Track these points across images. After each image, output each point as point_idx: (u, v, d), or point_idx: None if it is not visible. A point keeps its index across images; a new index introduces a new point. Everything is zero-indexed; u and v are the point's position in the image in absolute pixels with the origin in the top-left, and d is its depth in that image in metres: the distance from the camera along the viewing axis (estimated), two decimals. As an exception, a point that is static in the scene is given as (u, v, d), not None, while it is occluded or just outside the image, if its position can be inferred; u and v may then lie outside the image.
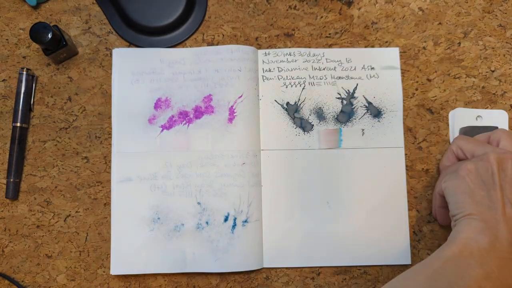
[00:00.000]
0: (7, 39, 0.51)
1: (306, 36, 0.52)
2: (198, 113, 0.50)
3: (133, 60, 0.50)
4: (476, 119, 0.50)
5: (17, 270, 0.49)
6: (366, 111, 0.51)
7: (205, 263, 0.48)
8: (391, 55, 0.51)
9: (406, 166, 0.50)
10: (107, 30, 0.51)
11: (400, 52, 0.51)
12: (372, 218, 0.49)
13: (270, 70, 0.51)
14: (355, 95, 0.51)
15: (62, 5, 0.52)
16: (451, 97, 0.51)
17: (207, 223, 0.48)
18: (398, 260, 0.49)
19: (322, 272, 0.49)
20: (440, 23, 0.52)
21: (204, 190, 0.49)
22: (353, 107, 0.51)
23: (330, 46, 0.52)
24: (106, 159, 0.50)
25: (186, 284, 0.49)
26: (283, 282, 0.49)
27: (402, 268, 0.49)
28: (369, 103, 0.51)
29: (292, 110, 0.51)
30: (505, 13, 0.52)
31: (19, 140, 0.49)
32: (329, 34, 0.52)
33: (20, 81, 0.49)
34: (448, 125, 0.51)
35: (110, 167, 0.50)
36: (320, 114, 0.51)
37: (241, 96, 0.50)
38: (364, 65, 0.51)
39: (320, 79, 0.51)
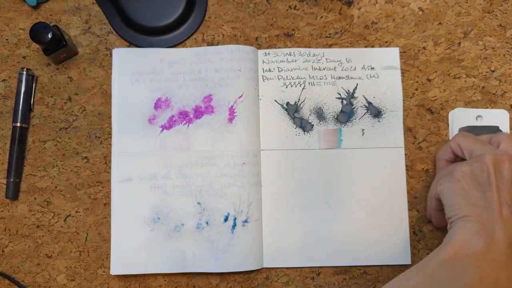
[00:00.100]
0: (7, 39, 0.51)
1: (306, 36, 0.52)
2: (198, 113, 0.50)
3: (133, 60, 0.50)
4: (476, 119, 0.50)
5: (17, 270, 0.49)
6: (366, 111, 0.51)
7: (205, 263, 0.48)
8: (391, 55, 0.51)
9: (406, 166, 0.50)
10: (107, 30, 0.51)
11: (400, 52, 0.51)
12: (372, 218, 0.49)
13: (270, 70, 0.51)
14: (355, 95, 0.51)
15: (62, 5, 0.52)
16: (451, 97, 0.51)
17: (207, 223, 0.48)
18: (398, 260, 0.49)
19: (322, 272, 0.49)
20: (440, 23, 0.52)
21: (204, 190, 0.49)
22: (353, 107, 0.51)
23: (330, 46, 0.52)
24: (106, 159, 0.50)
25: (186, 284, 0.49)
26: (283, 282, 0.49)
27: (402, 268, 0.49)
28: (369, 103, 0.51)
29: (292, 110, 0.51)
30: (505, 13, 0.52)
31: (19, 140, 0.49)
32: (329, 34, 0.52)
33: (20, 81, 0.49)
34: (448, 125, 0.51)
35: (110, 167, 0.50)
36: (320, 114, 0.51)
37: (241, 96, 0.50)
38: (364, 65, 0.51)
39: (320, 79, 0.51)
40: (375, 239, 0.49)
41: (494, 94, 0.51)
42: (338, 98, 0.51)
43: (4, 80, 0.51)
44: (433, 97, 0.51)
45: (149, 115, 0.50)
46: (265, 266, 0.49)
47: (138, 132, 0.49)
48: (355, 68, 0.51)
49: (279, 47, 0.52)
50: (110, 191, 0.49)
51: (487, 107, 0.51)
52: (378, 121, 0.51)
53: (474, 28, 0.52)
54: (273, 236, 0.49)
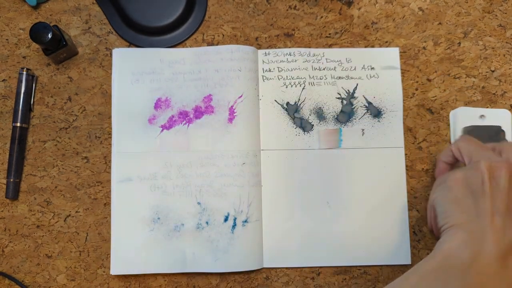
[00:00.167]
0: (7, 39, 0.51)
1: (306, 36, 0.52)
2: (198, 113, 0.50)
3: (133, 60, 0.50)
4: (480, 117, 0.50)
5: (17, 270, 0.49)
6: (366, 111, 0.51)
7: (205, 263, 0.48)
8: (391, 55, 0.51)
9: (406, 166, 0.50)
10: (107, 30, 0.51)
11: (400, 52, 0.51)
12: (372, 218, 0.49)
13: (270, 70, 0.51)
14: (355, 95, 0.51)
15: (62, 5, 0.52)
16: (451, 97, 0.51)
17: (207, 223, 0.48)
18: (398, 260, 0.49)
19: (322, 272, 0.49)
20: (440, 23, 0.52)
21: (204, 190, 0.49)
22: (353, 107, 0.51)
23: (330, 46, 0.52)
24: (106, 159, 0.50)
25: (186, 284, 0.49)
26: (283, 282, 0.49)
27: (402, 268, 0.49)
28: (369, 103, 0.51)
29: (292, 110, 0.51)
30: (505, 13, 0.52)
31: (19, 140, 0.49)
32: (329, 34, 0.52)
33: (20, 81, 0.49)
34: (448, 125, 0.51)
35: (110, 167, 0.50)
36: (320, 114, 0.51)
37: (241, 96, 0.50)
38: (364, 65, 0.51)
39: (320, 79, 0.51)
40: (375, 239, 0.49)
41: (494, 94, 0.51)
42: (338, 98, 0.51)
43: (4, 80, 0.51)
44: (433, 97, 0.51)
45: (149, 115, 0.50)
46: (265, 266, 0.49)
47: (138, 132, 0.49)
48: (355, 68, 0.51)
49: (279, 47, 0.52)
50: (110, 191, 0.49)
51: (487, 107, 0.51)
52: (378, 121, 0.51)
53: (474, 28, 0.52)
54: (273, 236, 0.49)
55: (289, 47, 0.51)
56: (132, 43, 0.51)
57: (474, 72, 0.51)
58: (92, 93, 0.51)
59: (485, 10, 0.52)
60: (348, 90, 0.51)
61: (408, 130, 0.51)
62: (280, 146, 0.50)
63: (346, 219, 0.49)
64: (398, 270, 0.49)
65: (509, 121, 0.50)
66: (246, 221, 0.48)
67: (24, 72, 0.49)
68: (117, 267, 0.48)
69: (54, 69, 0.51)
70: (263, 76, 0.51)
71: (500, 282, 0.35)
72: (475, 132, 0.49)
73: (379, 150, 0.50)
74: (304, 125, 0.50)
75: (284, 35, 0.52)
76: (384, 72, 0.51)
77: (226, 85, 0.50)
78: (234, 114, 0.49)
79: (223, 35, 0.52)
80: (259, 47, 0.51)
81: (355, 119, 0.51)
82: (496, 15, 0.52)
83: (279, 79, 0.51)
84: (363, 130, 0.50)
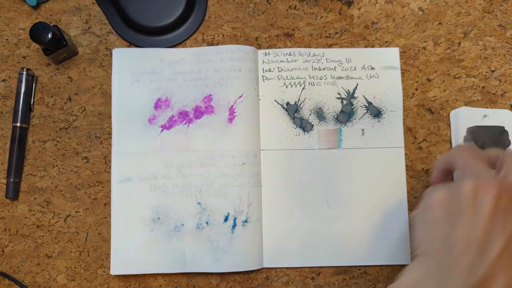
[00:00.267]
0: (7, 39, 0.51)
1: (306, 36, 0.52)
2: (198, 113, 0.50)
3: (133, 60, 0.50)
4: (483, 118, 0.50)
5: (17, 270, 0.49)
6: (366, 111, 0.51)
7: (205, 263, 0.48)
8: (391, 55, 0.51)
9: (406, 166, 0.50)
10: (107, 30, 0.51)
11: (400, 52, 0.51)
12: (372, 218, 0.49)
13: (270, 70, 0.51)
14: (355, 95, 0.51)
15: (62, 5, 0.52)
16: (451, 97, 0.51)
17: (207, 223, 0.48)
18: (398, 260, 0.49)
19: (322, 272, 0.49)
20: (440, 23, 0.52)
21: (204, 190, 0.49)
22: (353, 107, 0.51)
23: (330, 46, 0.52)
24: (106, 159, 0.50)
25: (186, 284, 0.49)
26: (283, 282, 0.49)
27: (402, 268, 0.49)
28: (369, 103, 0.51)
29: (292, 110, 0.51)
30: (505, 13, 0.52)
31: (19, 140, 0.49)
32: (329, 34, 0.52)
33: (20, 81, 0.49)
34: (448, 125, 0.51)
35: (110, 167, 0.50)
36: (320, 114, 0.51)
37: (241, 96, 0.50)
38: (364, 65, 0.51)
39: (320, 79, 0.51)
40: (375, 239, 0.49)
41: (494, 94, 0.51)
42: (338, 98, 0.51)
43: (4, 80, 0.51)
44: (433, 97, 0.51)
45: (149, 115, 0.50)
46: (265, 266, 0.49)
47: (138, 132, 0.49)
48: (355, 68, 0.51)
49: (279, 47, 0.52)
50: (110, 191, 0.49)
51: (487, 107, 0.51)
52: (378, 121, 0.51)
53: (474, 28, 0.52)
54: (273, 236, 0.49)
55: (289, 47, 0.51)
56: (132, 43, 0.51)
57: (474, 72, 0.51)
58: (92, 93, 0.51)
59: (485, 10, 0.52)
60: (348, 90, 0.51)
61: (408, 130, 0.51)
62: (280, 146, 0.50)
63: (346, 219, 0.49)
64: (398, 270, 0.49)
65: None
66: (246, 221, 0.48)
67: (24, 72, 0.49)
68: (117, 267, 0.48)
69: (54, 69, 0.51)
70: (263, 76, 0.51)
71: None
72: (479, 133, 0.49)
73: (379, 150, 0.50)
74: (304, 125, 0.50)
75: (284, 35, 0.52)
76: (384, 72, 0.51)
77: (226, 85, 0.50)
78: (234, 114, 0.49)
79: (223, 35, 0.52)
80: (259, 47, 0.51)
81: (355, 119, 0.51)
82: (496, 15, 0.52)
83: (279, 79, 0.51)
84: (363, 130, 0.50)
